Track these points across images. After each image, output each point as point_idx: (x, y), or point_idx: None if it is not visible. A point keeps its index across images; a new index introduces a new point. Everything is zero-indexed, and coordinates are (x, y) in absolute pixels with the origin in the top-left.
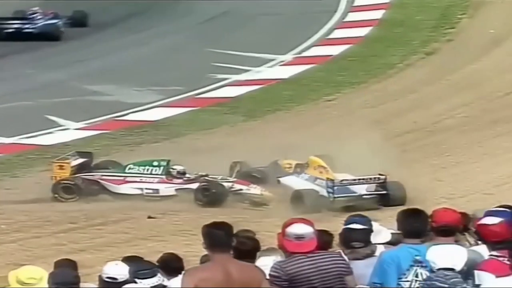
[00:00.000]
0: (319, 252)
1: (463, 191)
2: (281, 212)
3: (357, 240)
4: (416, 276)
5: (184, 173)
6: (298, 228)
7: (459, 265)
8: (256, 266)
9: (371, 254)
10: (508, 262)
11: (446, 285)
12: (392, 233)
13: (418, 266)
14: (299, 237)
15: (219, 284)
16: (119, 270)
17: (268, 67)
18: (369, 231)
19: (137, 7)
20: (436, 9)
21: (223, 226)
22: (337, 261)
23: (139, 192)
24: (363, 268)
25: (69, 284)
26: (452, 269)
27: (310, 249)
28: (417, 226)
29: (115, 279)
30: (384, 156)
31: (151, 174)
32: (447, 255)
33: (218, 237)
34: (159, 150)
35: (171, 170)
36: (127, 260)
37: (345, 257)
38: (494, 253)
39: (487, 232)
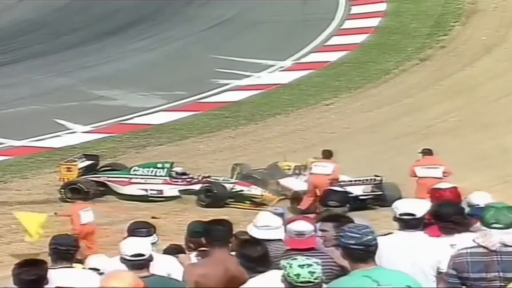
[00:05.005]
0: (315, 250)
1: None
2: None
3: (334, 200)
4: None
5: (183, 174)
6: (299, 225)
7: (419, 213)
8: None
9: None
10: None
11: (357, 235)
12: None
13: None
14: (299, 234)
15: (219, 279)
16: (101, 262)
17: (268, 72)
18: (347, 193)
19: (141, 13)
20: (430, 17)
21: (223, 223)
22: (329, 262)
23: (143, 193)
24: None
25: (69, 246)
26: (412, 214)
27: (309, 246)
28: None
29: (98, 269)
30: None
31: (155, 175)
32: (410, 203)
33: (218, 233)
34: (163, 153)
35: (171, 171)
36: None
37: (337, 261)
38: None
39: (438, 195)
